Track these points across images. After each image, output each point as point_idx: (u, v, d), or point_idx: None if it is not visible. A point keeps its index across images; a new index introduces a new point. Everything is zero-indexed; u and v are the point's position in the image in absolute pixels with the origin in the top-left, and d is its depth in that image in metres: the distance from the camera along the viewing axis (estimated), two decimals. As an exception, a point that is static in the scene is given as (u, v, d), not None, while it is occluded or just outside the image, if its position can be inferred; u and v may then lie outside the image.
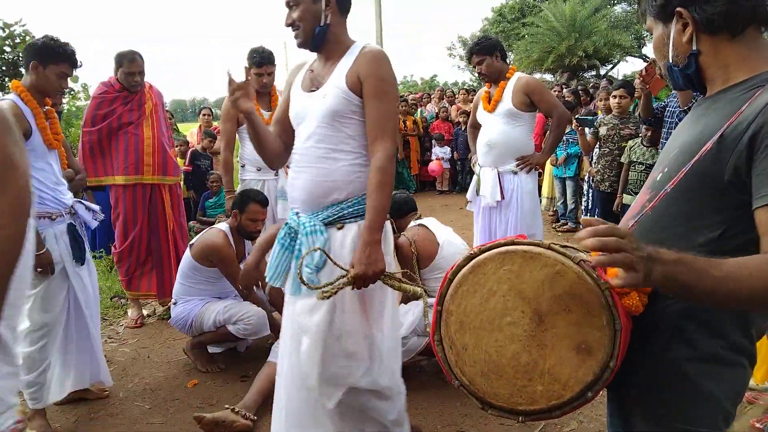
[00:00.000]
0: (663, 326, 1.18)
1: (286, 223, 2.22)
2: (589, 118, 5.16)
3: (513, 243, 1.19)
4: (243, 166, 4.22)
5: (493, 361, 1.18)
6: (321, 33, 2.07)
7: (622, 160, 5.04)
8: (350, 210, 2.07)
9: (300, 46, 2.13)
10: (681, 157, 1.18)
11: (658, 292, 1.17)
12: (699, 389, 1.15)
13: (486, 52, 3.77)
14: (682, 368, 1.16)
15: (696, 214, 1.13)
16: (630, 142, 5.02)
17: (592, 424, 2.79)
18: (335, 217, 2.09)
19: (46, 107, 2.89)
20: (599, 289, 1.11)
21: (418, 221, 3.50)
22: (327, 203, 2.09)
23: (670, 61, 1.22)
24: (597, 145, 5.84)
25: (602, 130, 5.30)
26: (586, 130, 5.51)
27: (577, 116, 5.25)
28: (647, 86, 4.18)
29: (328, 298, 1.94)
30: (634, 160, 4.88)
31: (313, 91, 2.12)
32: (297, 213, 2.19)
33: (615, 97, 5.22)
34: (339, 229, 2.10)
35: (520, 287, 1.15)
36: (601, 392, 1.17)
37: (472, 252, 1.24)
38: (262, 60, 3.93)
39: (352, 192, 2.08)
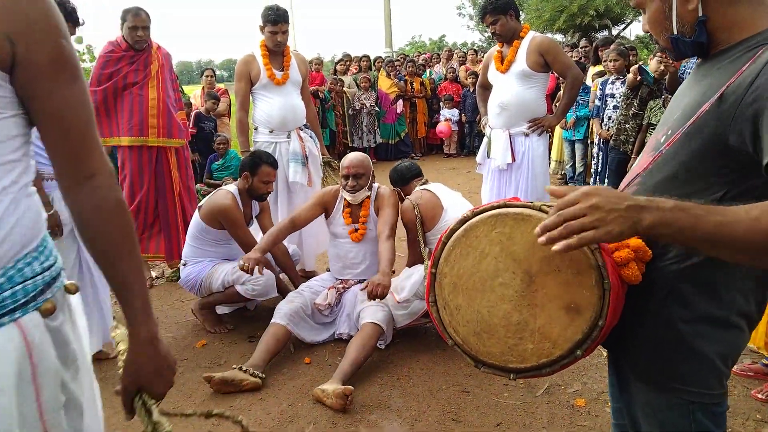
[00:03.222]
0: (659, 286, 1.18)
1: None
2: (651, 74, 5.06)
3: (505, 205, 1.21)
4: (256, 129, 4.20)
5: (485, 320, 1.21)
6: None
7: (644, 121, 4.97)
8: (10, 291, 0.98)
9: None
10: (683, 118, 1.16)
11: (656, 252, 1.18)
12: (692, 349, 1.16)
13: (500, 12, 3.67)
14: (677, 328, 1.17)
15: (698, 176, 1.12)
16: (651, 103, 4.93)
17: (596, 385, 2.81)
18: None
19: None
20: (588, 249, 1.12)
21: (424, 186, 3.48)
22: None
23: (675, 32, 1.19)
24: (613, 107, 5.75)
25: (644, 90, 5.17)
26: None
27: (640, 65, 5.18)
28: (670, 62, 4.09)
29: None
30: (654, 122, 4.81)
31: None
32: None
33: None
34: None
35: (512, 249, 1.18)
36: (593, 351, 1.19)
37: (465, 215, 1.26)
38: (277, 18, 3.90)
39: (5, 250, 0.99)
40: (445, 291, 1.26)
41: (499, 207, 1.21)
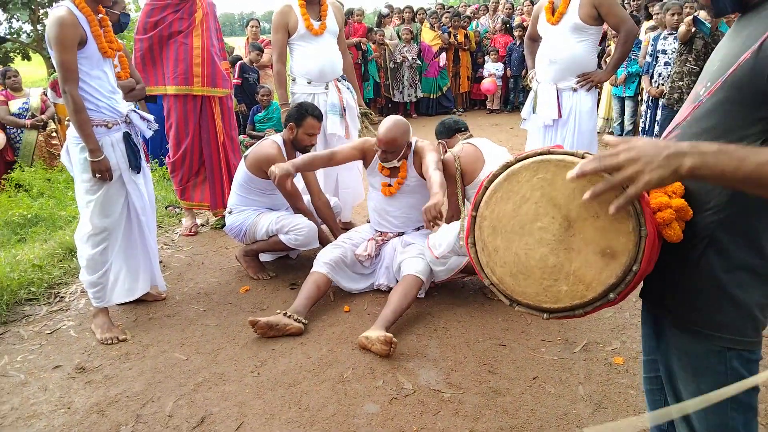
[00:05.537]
0: (699, 236, 1.20)
1: None
2: (708, 24, 4.83)
3: (549, 152, 1.24)
4: (294, 80, 4.19)
5: (522, 262, 1.26)
6: None
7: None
8: None
9: None
10: (722, 69, 1.16)
11: (695, 204, 1.20)
12: (731, 298, 1.17)
13: None
14: (716, 277, 1.18)
15: (735, 126, 1.12)
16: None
17: (635, 344, 2.79)
18: None
19: (100, 15, 2.88)
20: None
21: (468, 140, 3.44)
22: None
23: None
24: (664, 63, 5.53)
25: (698, 43, 4.94)
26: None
27: (695, 16, 4.94)
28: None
29: None
30: None
31: None
32: None
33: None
34: None
35: (552, 194, 1.21)
36: (626, 297, 1.23)
37: (508, 161, 1.29)
38: None
39: None
40: (485, 233, 1.30)
41: (542, 153, 1.24)
